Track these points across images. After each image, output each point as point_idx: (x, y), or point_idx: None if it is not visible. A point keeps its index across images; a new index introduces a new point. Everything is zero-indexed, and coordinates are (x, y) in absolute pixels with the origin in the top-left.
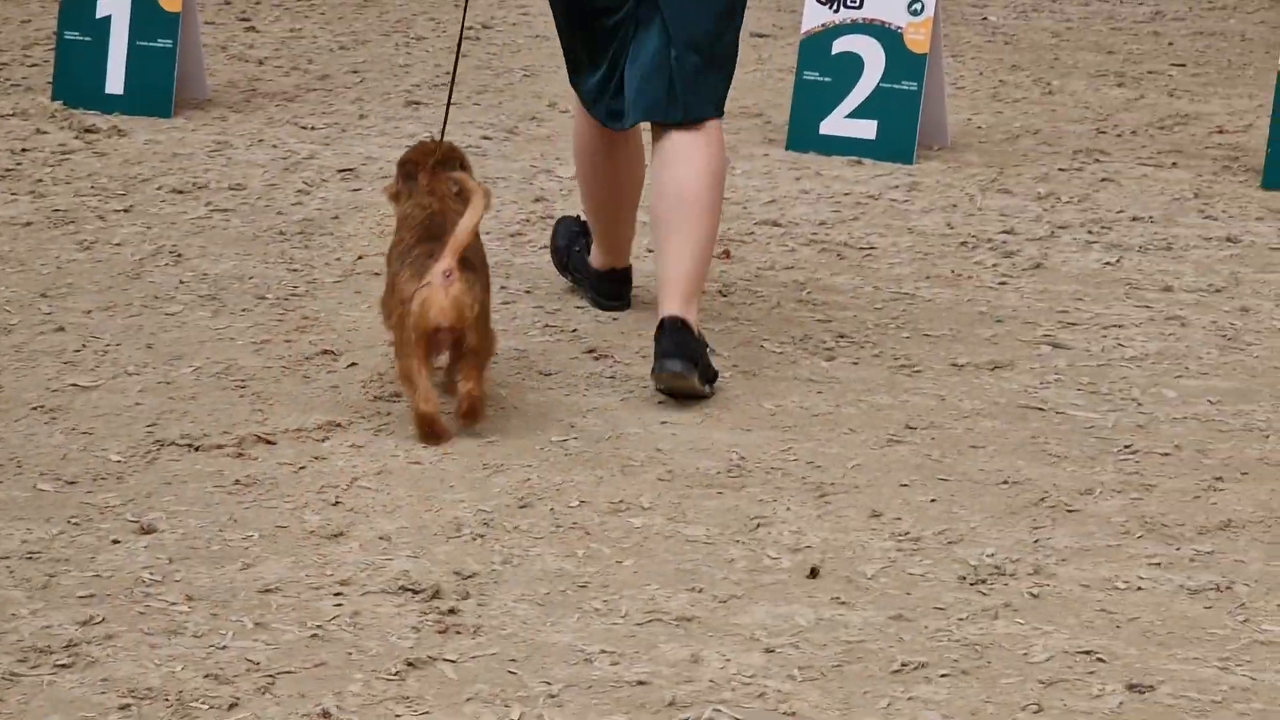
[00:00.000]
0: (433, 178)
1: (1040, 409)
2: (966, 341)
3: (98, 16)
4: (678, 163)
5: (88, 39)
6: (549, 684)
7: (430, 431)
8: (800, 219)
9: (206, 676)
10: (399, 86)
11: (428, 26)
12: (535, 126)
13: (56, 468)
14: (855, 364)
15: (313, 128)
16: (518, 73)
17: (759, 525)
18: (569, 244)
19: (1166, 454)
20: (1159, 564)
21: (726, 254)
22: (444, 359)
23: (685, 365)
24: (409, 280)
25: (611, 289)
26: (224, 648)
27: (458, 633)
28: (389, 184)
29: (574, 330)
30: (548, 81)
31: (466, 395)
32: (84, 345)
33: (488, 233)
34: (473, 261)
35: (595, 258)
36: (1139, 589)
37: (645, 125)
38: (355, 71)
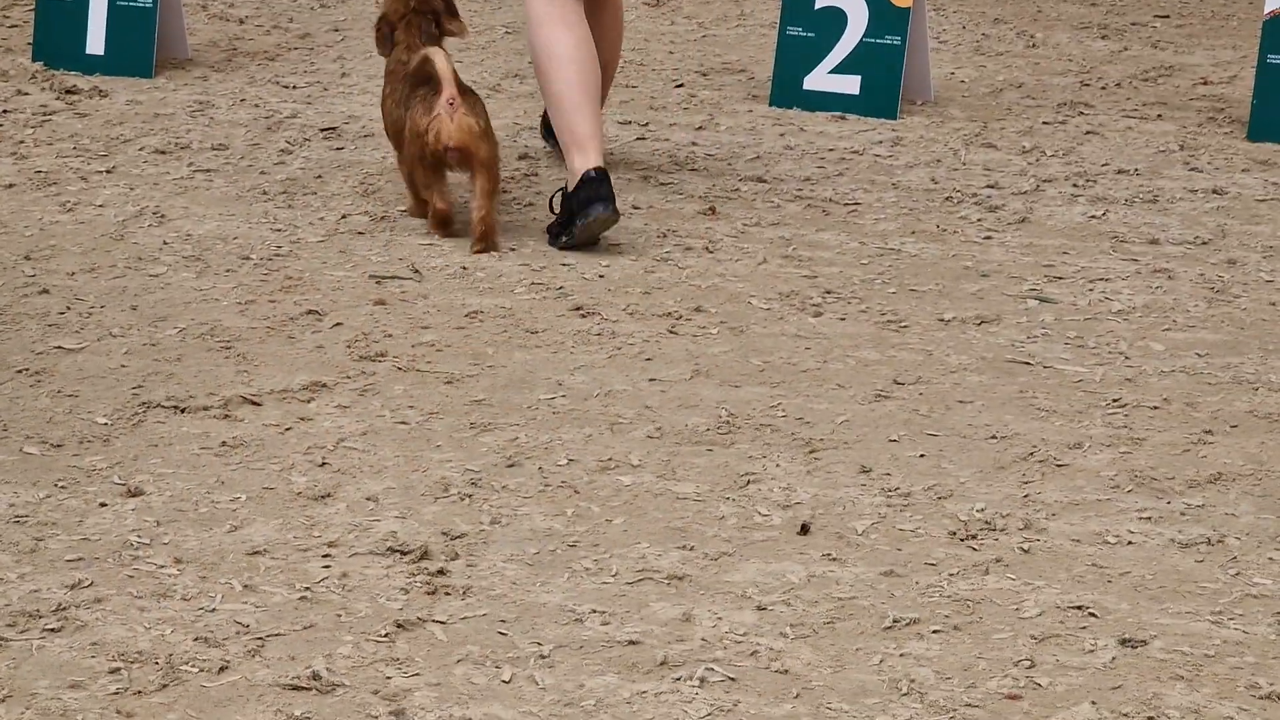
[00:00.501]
0: (407, 32)
1: (1027, 363)
2: (952, 296)
3: None
4: (601, 21)
5: None
6: (539, 644)
7: (445, 224)
8: (785, 175)
9: (196, 639)
10: None
11: None
12: (518, 84)
13: (43, 431)
14: (842, 320)
15: (294, 87)
16: (499, 30)
17: (749, 482)
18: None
19: (1155, 407)
20: (1149, 518)
21: (713, 210)
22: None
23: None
24: (421, 115)
25: (589, 191)
26: (213, 610)
27: (447, 594)
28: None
29: (560, 288)
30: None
31: (480, 221)
32: (68, 307)
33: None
34: (469, 88)
35: (571, 172)
36: (1129, 543)
37: None
38: (336, 29)
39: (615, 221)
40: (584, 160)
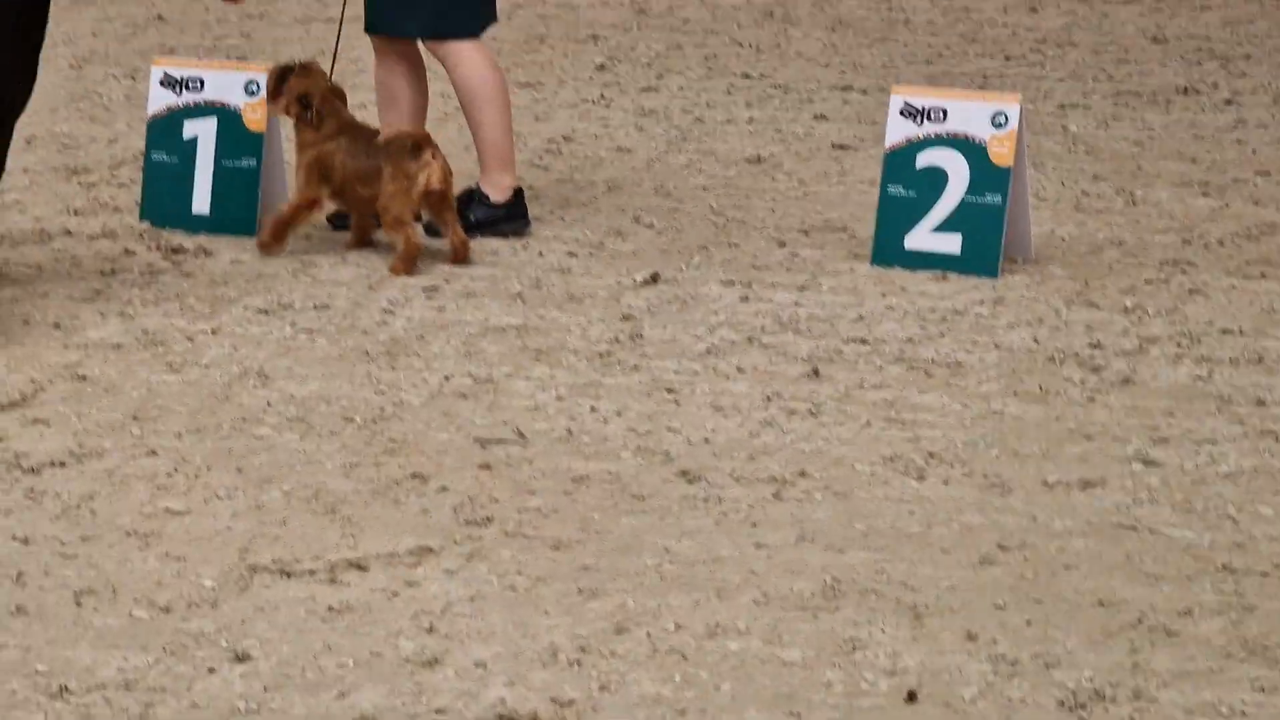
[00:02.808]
0: (328, 105)
1: (1134, 528)
2: (1056, 459)
3: (185, 137)
4: None
5: (174, 159)
6: None
7: (416, 260)
8: (887, 335)
9: None
10: None
11: None
12: (620, 241)
13: (151, 594)
14: (945, 483)
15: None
16: (601, 186)
17: (855, 648)
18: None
19: (1266, 573)
20: (1263, 688)
21: (815, 373)
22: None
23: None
24: (410, 162)
25: (523, 206)
26: None
27: None
28: (283, 104)
29: (666, 451)
30: (631, 195)
31: (461, 243)
32: (175, 469)
33: (575, 351)
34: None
35: (502, 188)
36: (1243, 714)
37: None
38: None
39: None
40: (513, 179)
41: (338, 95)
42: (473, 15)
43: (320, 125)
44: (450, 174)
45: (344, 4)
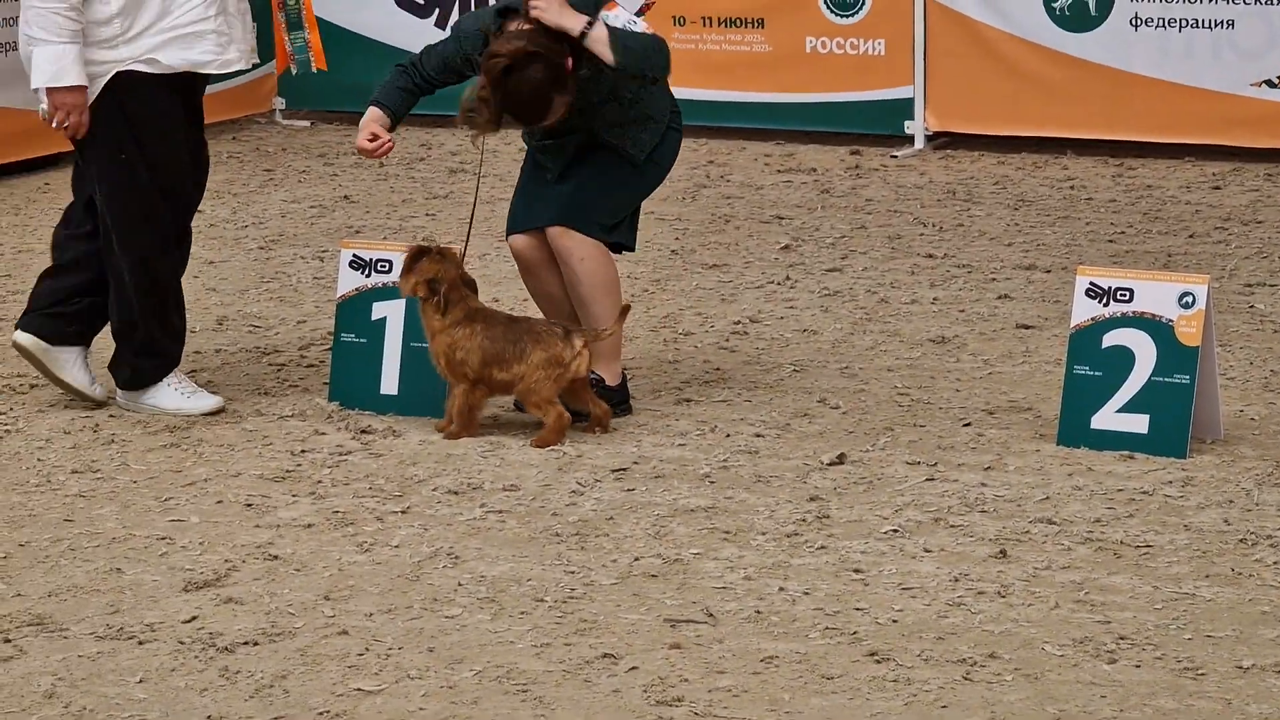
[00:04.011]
0: (457, 292)
1: None
2: (1251, 643)
3: (373, 318)
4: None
5: (363, 340)
6: None
7: (565, 433)
8: (1075, 516)
9: None
10: (669, 383)
11: (695, 322)
12: (807, 423)
13: None
14: (1138, 667)
15: (584, 426)
16: (787, 368)
17: None
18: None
19: None
20: None
21: (1003, 553)
22: None
23: None
24: (563, 350)
25: (627, 391)
26: None
27: None
28: (411, 284)
29: (854, 633)
30: (816, 376)
31: (605, 413)
32: (367, 649)
33: (763, 532)
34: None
35: (615, 374)
36: None
37: None
38: (625, 368)
39: None
40: (620, 363)
41: (467, 283)
42: (604, 224)
43: (446, 312)
44: (590, 358)
45: (475, 196)
